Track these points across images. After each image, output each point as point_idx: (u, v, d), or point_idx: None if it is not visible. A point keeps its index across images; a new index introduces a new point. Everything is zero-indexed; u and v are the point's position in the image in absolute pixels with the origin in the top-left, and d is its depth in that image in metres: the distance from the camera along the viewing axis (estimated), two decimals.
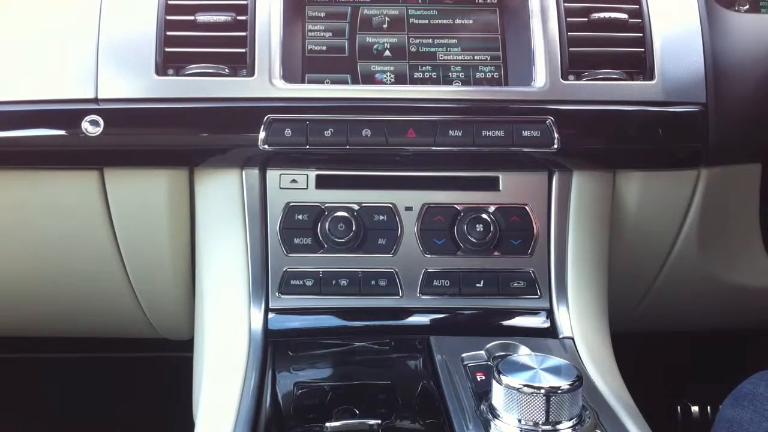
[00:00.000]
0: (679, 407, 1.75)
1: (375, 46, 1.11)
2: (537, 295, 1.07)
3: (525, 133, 1.04)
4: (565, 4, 1.10)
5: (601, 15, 1.10)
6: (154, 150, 1.06)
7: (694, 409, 1.74)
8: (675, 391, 1.77)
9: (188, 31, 1.07)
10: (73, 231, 1.12)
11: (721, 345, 1.67)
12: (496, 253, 1.07)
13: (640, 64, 1.09)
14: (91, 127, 1.02)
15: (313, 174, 1.07)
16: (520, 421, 0.78)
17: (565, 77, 1.07)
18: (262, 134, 1.02)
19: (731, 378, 1.08)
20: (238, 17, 1.07)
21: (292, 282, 1.05)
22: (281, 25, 1.08)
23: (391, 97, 1.06)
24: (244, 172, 1.07)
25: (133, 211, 1.09)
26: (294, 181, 1.07)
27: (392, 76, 1.10)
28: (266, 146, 1.03)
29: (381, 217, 1.07)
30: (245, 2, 1.08)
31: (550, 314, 1.06)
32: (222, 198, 1.07)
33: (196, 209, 1.10)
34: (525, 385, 0.78)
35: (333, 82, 1.09)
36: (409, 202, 1.08)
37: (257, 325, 1.02)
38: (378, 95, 1.06)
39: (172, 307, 1.19)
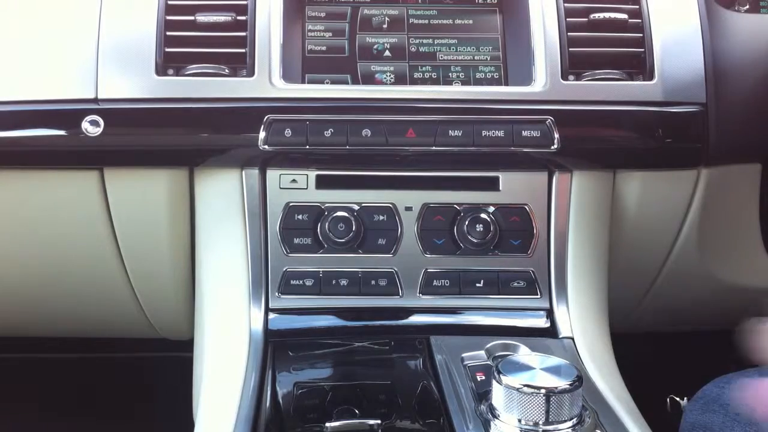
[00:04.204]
0: (679, 407, 1.75)
1: (375, 46, 1.11)
2: (537, 295, 1.07)
3: (525, 133, 1.04)
4: (565, 5, 1.10)
5: (601, 15, 1.10)
6: (154, 150, 1.06)
7: None
8: (675, 391, 1.76)
9: (188, 31, 1.07)
10: (73, 231, 1.12)
11: (722, 345, 1.67)
12: (496, 253, 1.07)
13: (640, 64, 1.09)
14: (91, 127, 1.02)
15: (313, 174, 1.07)
16: (520, 421, 0.78)
17: (565, 77, 1.07)
18: (262, 134, 1.02)
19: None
20: (238, 17, 1.07)
21: (292, 282, 1.05)
22: (281, 25, 1.08)
23: (391, 97, 1.06)
24: (244, 172, 1.07)
25: (133, 211, 1.09)
26: (294, 181, 1.07)
27: (392, 76, 1.10)
28: (266, 146, 1.03)
29: (381, 217, 1.07)
30: (245, 2, 1.08)
31: (550, 314, 1.06)
32: (222, 198, 1.07)
33: (196, 209, 1.10)
34: (525, 385, 0.78)
35: (333, 82, 1.09)
36: (409, 202, 1.08)
37: (257, 325, 1.02)
38: (378, 95, 1.06)
39: (172, 307, 1.19)
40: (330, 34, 1.11)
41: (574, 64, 1.08)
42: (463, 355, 0.96)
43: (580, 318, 1.05)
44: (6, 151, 1.05)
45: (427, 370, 0.97)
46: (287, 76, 1.06)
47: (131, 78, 1.04)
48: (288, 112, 1.04)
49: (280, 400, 0.92)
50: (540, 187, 1.09)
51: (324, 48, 1.11)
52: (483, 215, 1.07)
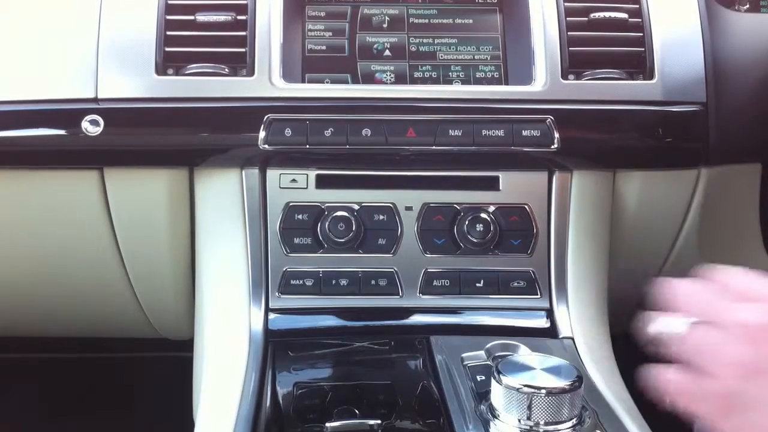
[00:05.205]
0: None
1: (375, 46, 1.11)
2: (537, 294, 1.07)
3: (525, 133, 1.04)
4: (565, 4, 1.10)
5: (601, 15, 1.10)
6: (154, 150, 1.06)
7: None
8: None
9: (188, 30, 1.07)
10: (72, 231, 1.12)
11: None
12: (496, 253, 1.07)
13: (640, 64, 1.09)
14: (91, 127, 1.02)
15: (313, 174, 1.07)
16: (519, 421, 0.78)
17: (565, 77, 1.07)
18: (262, 134, 1.02)
19: None
20: (238, 17, 1.07)
21: (292, 282, 1.05)
22: (281, 25, 1.08)
23: (391, 96, 1.06)
24: (244, 171, 1.07)
25: (133, 211, 1.09)
26: (294, 180, 1.07)
27: (392, 75, 1.10)
28: (266, 146, 1.03)
29: (381, 217, 1.07)
30: (245, 2, 1.08)
31: (550, 314, 1.06)
32: (222, 198, 1.07)
33: (196, 209, 1.10)
34: (525, 385, 0.78)
35: (333, 82, 1.09)
36: (409, 201, 1.08)
37: (257, 325, 1.02)
38: (378, 95, 1.06)
39: (172, 307, 1.19)
40: (330, 33, 1.11)
41: (574, 64, 1.08)
42: (463, 355, 0.96)
43: (580, 318, 1.05)
44: (6, 151, 1.05)
45: (427, 370, 0.97)
46: (287, 76, 1.06)
47: (131, 77, 1.04)
48: (288, 111, 1.04)
49: (280, 400, 0.92)
50: (540, 186, 1.09)
51: (324, 47, 1.11)
52: (483, 215, 1.07)
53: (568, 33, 1.09)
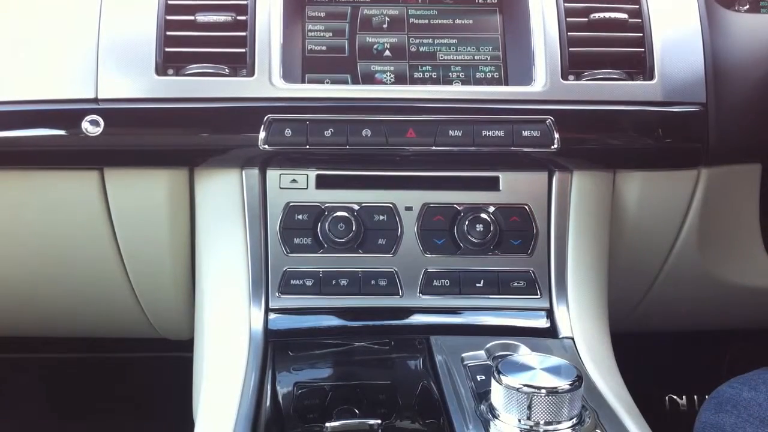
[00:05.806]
0: (679, 407, 1.76)
1: (375, 46, 1.11)
2: (537, 295, 1.07)
3: (525, 133, 1.04)
4: (565, 5, 1.10)
5: (601, 15, 1.10)
6: (154, 150, 1.06)
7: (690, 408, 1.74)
8: (675, 391, 1.77)
9: (188, 31, 1.07)
10: (73, 231, 1.12)
11: (722, 345, 1.67)
12: (496, 253, 1.07)
13: (640, 64, 1.09)
14: (91, 127, 1.02)
15: (313, 174, 1.07)
16: (519, 421, 0.78)
17: (565, 77, 1.07)
18: (262, 134, 1.03)
19: (732, 378, 1.08)
20: (238, 17, 1.07)
21: (292, 282, 1.05)
22: (281, 25, 1.08)
23: (391, 97, 1.06)
24: (244, 172, 1.07)
25: (133, 211, 1.09)
26: (294, 181, 1.07)
27: (392, 76, 1.10)
28: (266, 146, 1.03)
29: (381, 217, 1.07)
30: (245, 2, 1.08)
31: (550, 314, 1.06)
32: (222, 198, 1.07)
33: (196, 209, 1.10)
34: (525, 385, 0.78)
35: (333, 82, 1.09)
36: (409, 202, 1.08)
37: (257, 325, 1.02)
38: (378, 95, 1.06)
39: (172, 307, 1.19)
40: (330, 34, 1.11)
41: (574, 64, 1.08)
42: (463, 355, 0.96)
43: (580, 318, 1.05)
44: (6, 151, 1.05)
45: (427, 370, 0.97)
46: (287, 76, 1.06)
47: (131, 78, 1.04)
48: (288, 111, 1.04)
49: (280, 400, 0.92)
50: (540, 187, 1.09)
51: (324, 48, 1.11)
52: (483, 215, 1.07)
53: (568, 33, 1.09)
